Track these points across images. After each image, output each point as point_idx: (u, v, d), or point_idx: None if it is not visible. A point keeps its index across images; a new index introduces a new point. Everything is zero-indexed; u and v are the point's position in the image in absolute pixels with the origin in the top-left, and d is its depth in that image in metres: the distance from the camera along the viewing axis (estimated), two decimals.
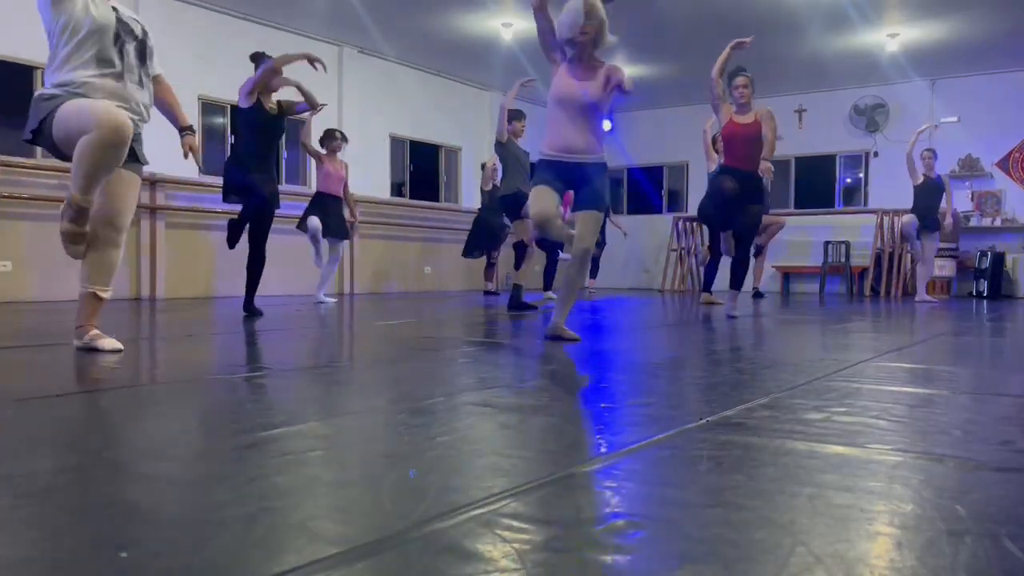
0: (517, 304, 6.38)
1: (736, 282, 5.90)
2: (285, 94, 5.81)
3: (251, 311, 5.61)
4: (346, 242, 7.82)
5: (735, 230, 5.84)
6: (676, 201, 14.23)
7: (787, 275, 12.76)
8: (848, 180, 12.81)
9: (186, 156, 3.59)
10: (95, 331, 3.24)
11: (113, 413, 2.08)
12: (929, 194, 8.78)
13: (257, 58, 5.70)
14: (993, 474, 1.46)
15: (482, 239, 9.45)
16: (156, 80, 3.39)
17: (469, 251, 9.62)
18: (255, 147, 5.54)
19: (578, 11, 3.74)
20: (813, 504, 1.24)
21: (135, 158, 3.18)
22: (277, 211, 5.66)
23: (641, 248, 13.90)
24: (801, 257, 12.60)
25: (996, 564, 0.99)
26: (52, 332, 4.29)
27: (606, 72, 3.88)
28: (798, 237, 12.46)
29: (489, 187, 9.42)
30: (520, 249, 7.25)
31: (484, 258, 10.24)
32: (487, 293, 10.32)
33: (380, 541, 1.06)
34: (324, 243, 7.27)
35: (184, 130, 3.55)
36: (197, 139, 3.67)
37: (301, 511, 1.20)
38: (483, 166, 10.14)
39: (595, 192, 3.79)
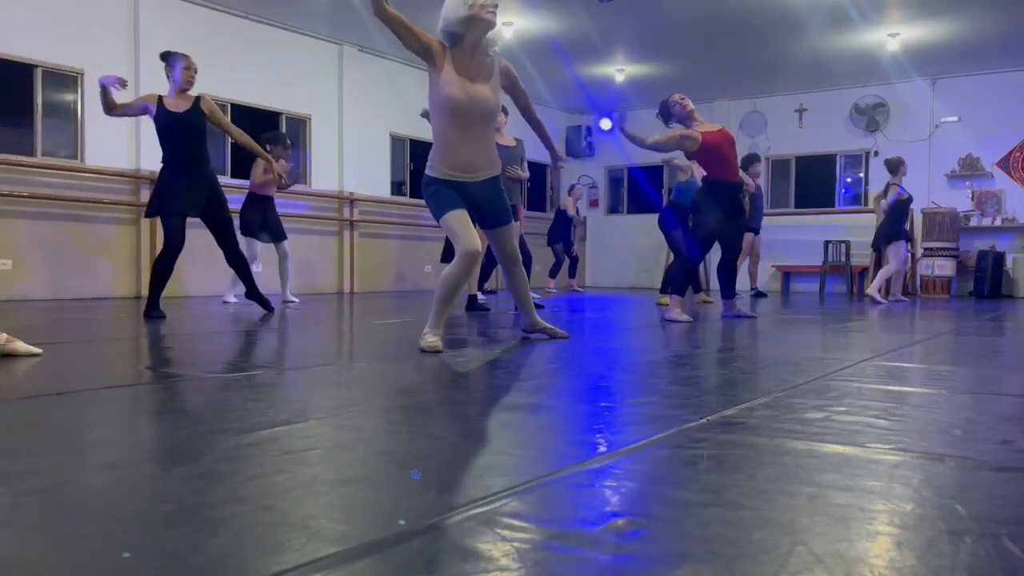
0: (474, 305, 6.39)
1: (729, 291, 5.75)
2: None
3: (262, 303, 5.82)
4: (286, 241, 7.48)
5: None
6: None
7: (787, 275, 12.76)
8: (848, 179, 12.81)
9: None
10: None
11: (113, 412, 2.08)
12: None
13: (167, 57, 5.28)
14: (993, 473, 1.46)
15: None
16: None
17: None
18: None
19: None
20: (813, 503, 1.24)
21: None
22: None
23: (641, 247, 13.90)
24: (801, 257, 12.59)
25: (996, 564, 0.99)
26: (52, 331, 4.29)
27: (497, 66, 3.45)
28: (798, 237, 12.47)
29: None
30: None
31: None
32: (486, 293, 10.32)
33: (380, 540, 1.06)
34: (257, 247, 7.30)
35: None
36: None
37: (301, 509, 1.20)
38: None
39: (505, 208, 3.57)
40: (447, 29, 3.37)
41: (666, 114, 5.80)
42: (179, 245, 5.13)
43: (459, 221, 3.41)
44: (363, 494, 1.31)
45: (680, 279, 5.47)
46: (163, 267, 5.16)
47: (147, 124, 8.37)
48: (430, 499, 1.24)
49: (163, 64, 5.29)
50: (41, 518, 1.15)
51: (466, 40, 3.37)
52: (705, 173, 5.65)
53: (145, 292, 8.35)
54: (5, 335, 2.95)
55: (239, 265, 5.59)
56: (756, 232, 9.81)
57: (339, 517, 1.18)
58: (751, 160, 9.20)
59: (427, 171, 3.52)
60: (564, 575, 0.96)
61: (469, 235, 3.39)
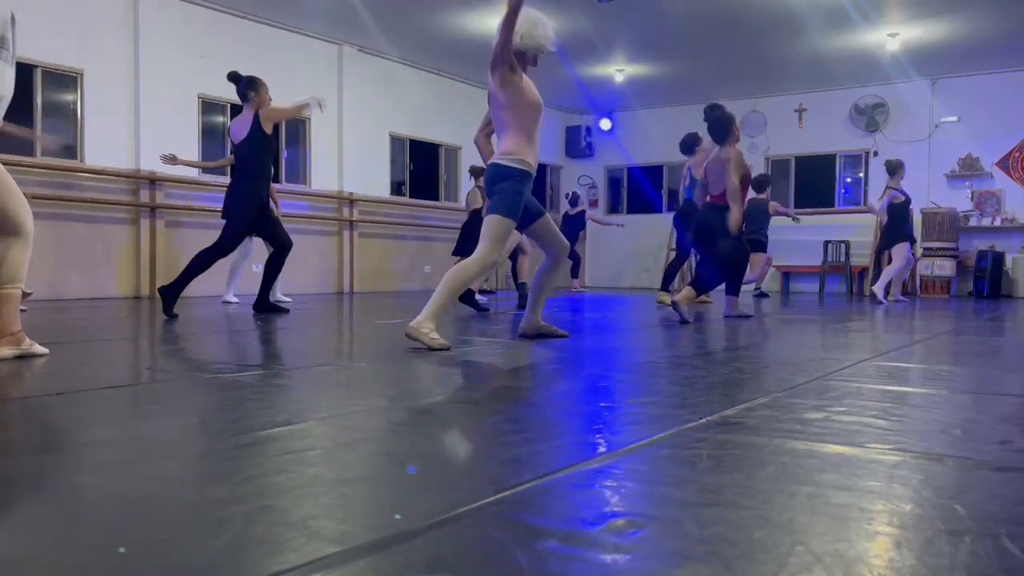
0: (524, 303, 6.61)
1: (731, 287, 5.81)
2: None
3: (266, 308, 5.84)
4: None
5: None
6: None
7: (787, 274, 12.77)
8: (848, 179, 12.81)
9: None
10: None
11: (113, 411, 2.08)
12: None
13: (237, 79, 5.64)
14: (993, 473, 1.46)
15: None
16: None
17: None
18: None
19: (547, 24, 3.72)
20: (812, 503, 1.24)
21: None
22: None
23: (641, 247, 13.90)
24: (801, 257, 12.60)
25: (996, 564, 0.99)
26: (52, 331, 4.29)
27: None
28: (798, 237, 12.47)
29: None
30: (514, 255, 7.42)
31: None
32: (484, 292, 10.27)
33: (380, 540, 1.06)
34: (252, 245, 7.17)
35: None
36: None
37: (301, 509, 1.20)
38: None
39: (535, 201, 3.82)
40: (532, 48, 3.69)
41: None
42: (229, 253, 5.60)
43: (509, 234, 3.62)
44: (363, 494, 1.31)
45: (732, 281, 5.75)
46: (206, 263, 5.34)
47: (146, 124, 8.40)
48: (430, 499, 1.25)
49: (234, 82, 5.67)
50: (41, 518, 1.15)
51: (532, 60, 3.80)
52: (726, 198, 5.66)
53: (145, 292, 8.36)
54: (28, 340, 3.00)
55: (274, 266, 5.79)
56: None
57: (339, 517, 1.18)
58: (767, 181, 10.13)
59: (512, 164, 3.59)
60: (564, 575, 0.96)
61: (504, 250, 3.67)
